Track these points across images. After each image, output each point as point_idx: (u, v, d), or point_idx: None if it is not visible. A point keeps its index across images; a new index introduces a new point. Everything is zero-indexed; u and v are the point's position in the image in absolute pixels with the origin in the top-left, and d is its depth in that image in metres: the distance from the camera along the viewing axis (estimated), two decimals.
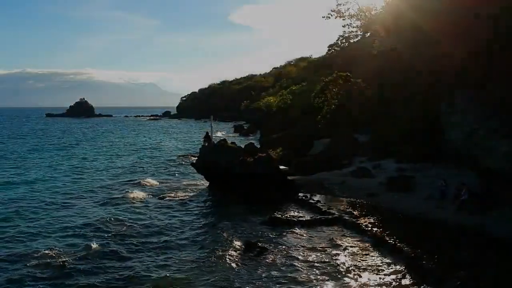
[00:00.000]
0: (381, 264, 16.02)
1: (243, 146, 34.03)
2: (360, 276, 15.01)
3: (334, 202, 25.12)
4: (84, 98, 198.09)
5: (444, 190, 22.87)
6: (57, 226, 21.56)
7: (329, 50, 59.82)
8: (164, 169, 41.02)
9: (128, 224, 21.84)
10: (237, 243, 18.40)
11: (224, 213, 24.29)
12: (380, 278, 14.80)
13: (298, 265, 16.12)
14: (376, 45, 37.53)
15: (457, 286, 13.72)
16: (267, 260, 16.67)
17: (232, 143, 32.28)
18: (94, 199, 28.13)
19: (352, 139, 38.52)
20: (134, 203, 26.62)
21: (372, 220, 21.09)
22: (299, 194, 26.86)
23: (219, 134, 70.46)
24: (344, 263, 16.15)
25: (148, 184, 33.16)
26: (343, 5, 43.39)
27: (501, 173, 19.94)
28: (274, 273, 15.47)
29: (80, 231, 20.74)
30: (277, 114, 63.55)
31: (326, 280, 14.81)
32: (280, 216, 22.22)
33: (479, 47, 19.61)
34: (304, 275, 15.25)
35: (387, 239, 18.18)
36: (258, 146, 40.98)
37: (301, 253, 17.36)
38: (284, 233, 19.95)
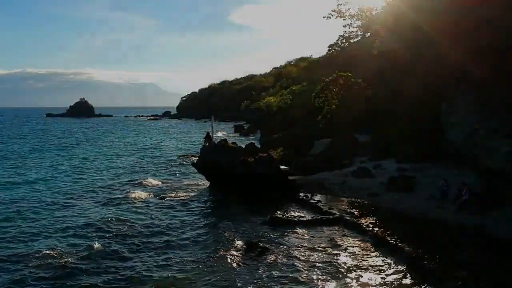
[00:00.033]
0: (382, 264, 16.06)
1: (243, 146, 34.11)
2: (361, 276, 15.05)
3: (334, 202, 25.10)
4: (84, 98, 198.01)
5: (445, 190, 22.84)
6: (58, 226, 21.59)
7: (329, 50, 59.83)
8: (164, 169, 41.04)
9: (130, 224, 21.89)
10: (238, 243, 18.45)
11: (225, 213, 24.32)
12: (381, 278, 14.84)
13: (299, 265, 16.16)
14: (377, 45, 37.54)
15: (458, 286, 13.73)
16: (268, 260, 16.71)
17: (233, 143, 32.31)
18: (95, 199, 28.18)
19: (353, 139, 38.58)
20: (135, 203, 26.66)
21: (372, 220, 21.09)
22: (300, 194, 26.86)
23: (219, 134, 70.48)
24: (345, 263, 16.19)
25: (149, 184, 33.20)
26: (344, 5, 43.49)
27: (501, 173, 19.95)
28: (275, 273, 15.51)
29: (82, 231, 20.78)
30: (277, 114, 63.62)
31: (327, 280, 14.85)
32: (281, 216, 22.25)
33: (480, 47, 19.62)
34: (305, 275, 15.30)
35: (388, 239, 18.21)
36: (259, 146, 41.04)
37: (302, 253, 17.40)
38: (285, 233, 19.98)
